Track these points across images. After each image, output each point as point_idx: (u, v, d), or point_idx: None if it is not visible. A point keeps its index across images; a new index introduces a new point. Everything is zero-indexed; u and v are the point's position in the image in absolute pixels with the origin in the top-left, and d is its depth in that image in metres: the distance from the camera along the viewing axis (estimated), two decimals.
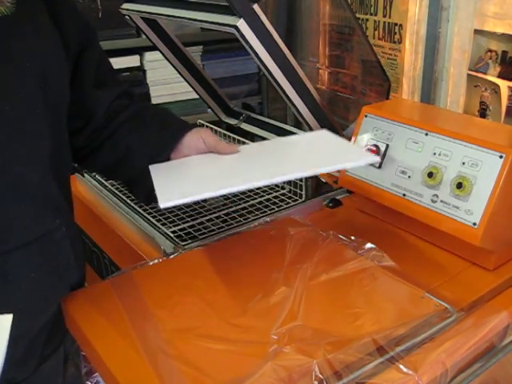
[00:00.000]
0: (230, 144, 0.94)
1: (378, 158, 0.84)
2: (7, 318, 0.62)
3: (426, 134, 0.90)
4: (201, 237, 0.97)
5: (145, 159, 0.89)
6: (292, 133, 1.28)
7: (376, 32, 1.47)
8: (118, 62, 1.83)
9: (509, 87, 1.18)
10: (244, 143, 1.28)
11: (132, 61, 1.87)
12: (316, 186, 1.13)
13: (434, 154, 0.88)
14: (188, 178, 0.85)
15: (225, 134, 1.35)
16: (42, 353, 0.81)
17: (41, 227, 0.75)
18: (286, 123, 1.35)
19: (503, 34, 1.16)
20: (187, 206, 1.10)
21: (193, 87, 1.36)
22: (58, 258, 0.78)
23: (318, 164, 0.82)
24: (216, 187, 0.77)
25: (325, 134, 0.97)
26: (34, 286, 0.74)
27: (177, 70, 1.32)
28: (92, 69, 0.86)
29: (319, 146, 0.93)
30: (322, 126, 1.05)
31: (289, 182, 1.16)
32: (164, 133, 0.91)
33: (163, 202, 0.73)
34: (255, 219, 1.01)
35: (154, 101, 1.93)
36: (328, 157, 0.86)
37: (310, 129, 1.04)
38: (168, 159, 0.91)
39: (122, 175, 0.96)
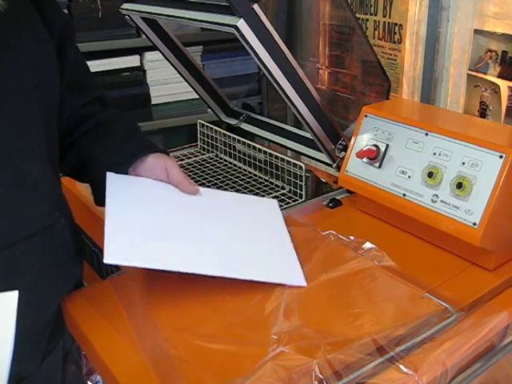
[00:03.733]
0: (191, 184, 0.93)
1: (305, 283, 0.80)
2: (13, 295, 0.62)
3: (426, 134, 0.90)
4: None
5: (104, 168, 0.88)
6: (292, 133, 1.28)
7: (376, 32, 1.47)
8: (117, 62, 1.84)
9: (509, 87, 1.17)
10: (244, 143, 1.28)
11: (132, 61, 1.87)
12: (316, 186, 1.13)
13: (434, 154, 0.88)
14: (142, 225, 0.82)
15: (225, 134, 1.35)
16: (46, 347, 0.81)
17: (42, 220, 0.76)
18: (286, 123, 1.35)
19: (503, 34, 1.16)
20: None
21: (193, 87, 1.36)
22: (60, 250, 0.79)
23: (259, 271, 0.81)
24: (168, 263, 0.76)
25: (276, 217, 0.95)
26: (38, 279, 0.75)
27: (177, 69, 1.32)
28: (68, 68, 0.86)
29: (268, 239, 0.90)
30: (322, 126, 1.05)
31: (288, 182, 1.16)
32: (127, 146, 0.91)
33: (107, 259, 0.71)
34: None
35: (154, 101, 1.94)
36: (272, 266, 0.84)
37: (310, 129, 1.04)
38: (125, 174, 0.91)
39: (83, 180, 0.97)
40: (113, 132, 0.92)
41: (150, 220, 0.84)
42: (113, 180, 0.87)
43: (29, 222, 0.74)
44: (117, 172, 0.89)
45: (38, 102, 0.75)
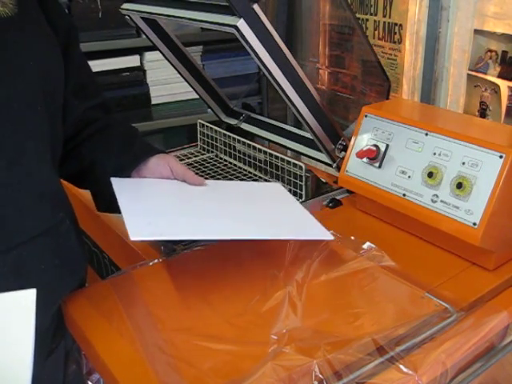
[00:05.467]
0: (197, 176, 0.96)
1: (332, 237, 0.85)
2: (31, 293, 0.62)
3: (426, 134, 0.90)
4: None
5: (106, 175, 0.90)
6: (292, 133, 1.28)
7: (376, 32, 1.47)
8: (117, 62, 1.84)
9: (509, 87, 1.17)
10: (244, 143, 1.28)
11: (132, 61, 1.87)
12: (316, 186, 1.13)
13: (434, 154, 0.88)
14: (158, 210, 0.85)
15: (225, 134, 1.35)
16: (51, 346, 0.82)
17: (48, 220, 0.77)
18: (286, 123, 1.35)
19: (503, 34, 1.16)
20: None
21: (193, 87, 1.36)
22: (65, 250, 0.80)
23: (281, 231, 0.86)
24: (188, 232, 0.80)
25: (284, 195, 1.01)
26: (44, 279, 0.76)
27: (177, 69, 1.32)
28: (73, 71, 0.87)
29: (281, 208, 0.95)
30: (322, 126, 1.05)
31: (288, 182, 1.16)
32: (129, 151, 0.92)
33: (134, 236, 0.73)
34: None
35: (154, 101, 1.94)
36: (292, 225, 0.89)
37: (310, 129, 1.04)
38: (128, 177, 0.92)
39: (84, 186, 0.98)
40: (113, 137, 0.93)
41: (164, 205, 0.87)
42: (118, 183, 0.88)
43: (35, 223, 0.75)
44: (121, 176, 0.90)
45: (45, 103, 0.76)
